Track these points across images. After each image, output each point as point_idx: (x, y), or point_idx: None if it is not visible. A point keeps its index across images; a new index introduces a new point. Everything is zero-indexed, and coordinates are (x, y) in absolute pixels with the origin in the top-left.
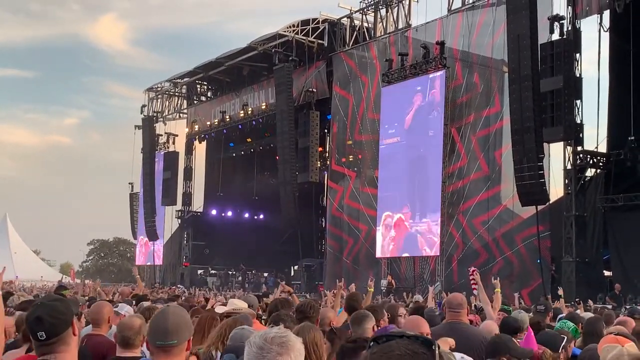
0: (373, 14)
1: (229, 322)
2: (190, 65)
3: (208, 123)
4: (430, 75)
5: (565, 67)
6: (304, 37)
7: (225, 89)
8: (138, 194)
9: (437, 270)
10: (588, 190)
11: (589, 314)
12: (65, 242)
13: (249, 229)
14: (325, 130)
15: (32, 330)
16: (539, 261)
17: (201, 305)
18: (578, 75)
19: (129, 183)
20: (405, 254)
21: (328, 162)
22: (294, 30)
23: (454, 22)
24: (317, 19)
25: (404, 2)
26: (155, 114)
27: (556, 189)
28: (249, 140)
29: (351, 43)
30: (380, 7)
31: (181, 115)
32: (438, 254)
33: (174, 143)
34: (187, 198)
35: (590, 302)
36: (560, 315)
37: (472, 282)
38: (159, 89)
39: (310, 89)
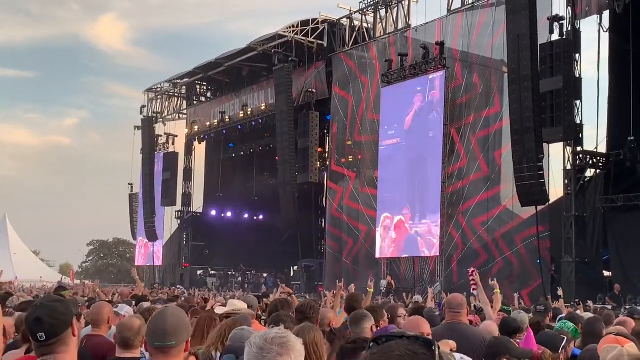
0: (373, 15)
1: (229, 323)
2: (190, 66)
3: (208, 124)
4: (430, 76)
5: (565, 67)
6: (304, 38)
7: (225, 89)
8: (138, 195)
9: (436, 270)
10: (588, 191)
11: (589, 314)
12: (64, 243)
13: (249, 230)
14: (325, 131)
15: (32, 331)
16: (538, 261)
17: (200, 307)
18: (578, 76)
19: (129, 184)
20: (405, 255)
21: (328, 163)
22: (293, 31)
23: (454, 23)
24: (316, 19)
25: (403, 2)
26: (154, 115)
27: (556, 189)
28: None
29: (351, 43)
30: (379, 7)
31: (181, 115)
32: (438, 254)
33: (173, 144)
34: (187, 199)
35: (590, 303)
36: (560, 316)
37: (471, 282)
38: (158, 89)
39: (310, 90)
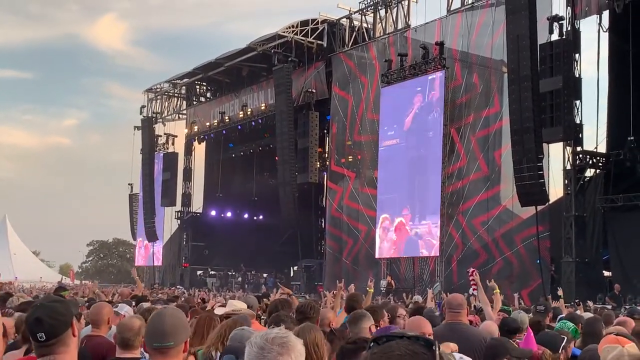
0: (372, 15)
1: (229, 323)
2: (189, 66)
3: (207, 124)
4: (430, 76)
5: (564, 67)
6: (303, 38)
7: (225, 89)
8: (137, 195)
9: (436, 270)
10: (587, 191)
11: (589, 314)
12: (64, 243)
13: (249, 230)
14: (325, 131)
15: (32, 331)
16: (538, 261)
17: (200, 307)
18: (577, 76)
19: (129, 184)
20: (405, 256)
21: (327, 163)
22: (293, 31)
23: (453, 23)
24: (316, 19)
25: (403, 2)
26: (154, 115)
27: (556, 189)
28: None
29: (350, 43)
30: (379, 7)
31: (180, 116)
32: (438, 254)
33: (173, 144)
34: (187, 199)
35: (590, 303)
36: (560, 316)
37: (471, 282)
38: (158, 89)
39: (310, 90)
